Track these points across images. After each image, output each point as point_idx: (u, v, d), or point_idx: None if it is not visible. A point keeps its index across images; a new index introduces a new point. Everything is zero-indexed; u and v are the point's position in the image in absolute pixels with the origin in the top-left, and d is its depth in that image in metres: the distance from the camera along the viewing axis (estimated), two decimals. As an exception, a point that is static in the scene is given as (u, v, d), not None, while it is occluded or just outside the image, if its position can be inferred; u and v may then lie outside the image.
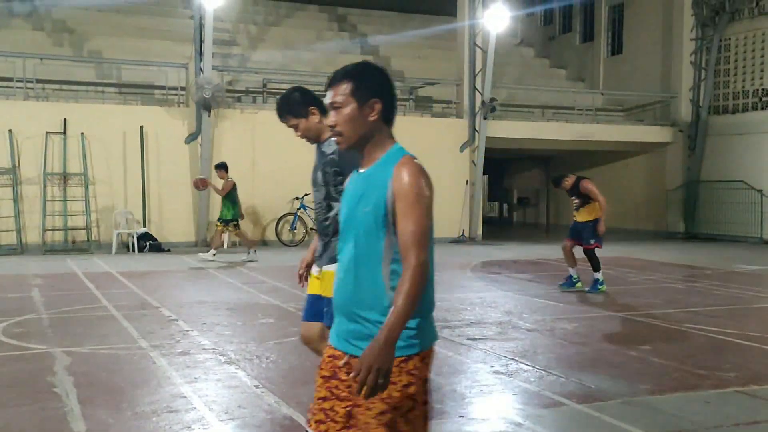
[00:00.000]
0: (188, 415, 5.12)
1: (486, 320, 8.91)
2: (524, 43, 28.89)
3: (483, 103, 20.34)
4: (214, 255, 14.57)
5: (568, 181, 11.30)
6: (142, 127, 17.47)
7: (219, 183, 15.02)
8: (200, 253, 14.87)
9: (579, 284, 11.27)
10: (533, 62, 27.65)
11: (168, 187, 17.86)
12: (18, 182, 16.50)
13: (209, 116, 17.71)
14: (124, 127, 17.38)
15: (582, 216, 11.18)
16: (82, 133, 16.92)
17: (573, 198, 11.34)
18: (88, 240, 16.90)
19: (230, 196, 14.78)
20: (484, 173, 21.54)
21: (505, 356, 6.99)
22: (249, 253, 15.18)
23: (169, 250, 17.00)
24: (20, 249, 16.23)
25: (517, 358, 6.91)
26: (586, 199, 11.10)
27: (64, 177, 16.88)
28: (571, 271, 11.34)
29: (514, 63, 25.45)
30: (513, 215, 30.85)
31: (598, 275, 11.14)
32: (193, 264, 14.43)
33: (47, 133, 16.64)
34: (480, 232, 21.00)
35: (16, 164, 16.50)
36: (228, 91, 18.99)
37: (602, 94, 25.34)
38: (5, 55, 17.30)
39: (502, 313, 9.42)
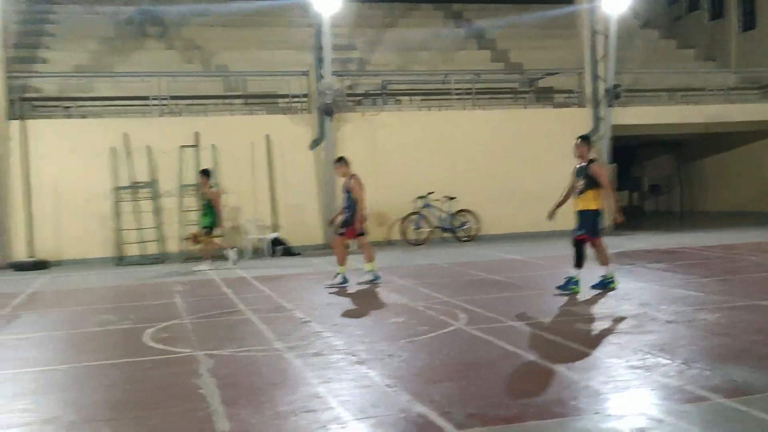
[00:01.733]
0: (324, 414, 5.26)
1: (619, 313, 8.65)
2: (648, 25, 27.82)
3: (606, 90, 19.76)
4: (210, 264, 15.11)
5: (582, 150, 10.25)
6: (267, 136, 18.09)
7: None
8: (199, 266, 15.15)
9: (614, 284, 10.17)
10: (659, 44, 26.57)
11: (295, 192, 18.38)
12: (157, 195, 17.44)
13: (331, 121, 18.10)
14: (251, 136, 18.04)
15: (583, 203, 10.14)
16: (213, 145, 17.69)
17: (579, 180, 10.30)
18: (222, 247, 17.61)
19: (209, 204, 15.31)
20: (611, 162, 20.91)
21: (641, 350, 6.76)
22: (206, 262, 15.13)
23: (299, 254, 17.49)
24: (162, 258, 17.14)
25: (654, 352, 6.67)
26: (592, 184, 10.08)
27: (199, 188, 17.68)
28: (602, 269, 10.24)
29: (638, 46, 24.55)
30: (644, 204, 29.75)
31: (574, 273, 10.02)
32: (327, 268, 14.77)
33: (181, 146, 17.51)
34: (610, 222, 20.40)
35: (155, 178, 17.45)
36: (348, 95, 19.34)
37: (735, 72, 24.05)
38: (141, 75, 18.35)
39: (637, 305, 9.11)
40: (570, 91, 21.10)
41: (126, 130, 17.39)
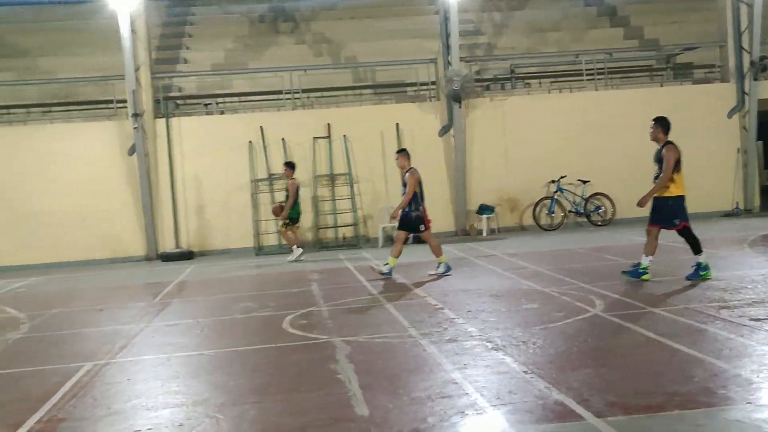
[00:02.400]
0: (461, 400, 5.27)
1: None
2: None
3: (752, 63, 18.62)
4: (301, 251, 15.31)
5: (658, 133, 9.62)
6: (397, 124, 18.23)
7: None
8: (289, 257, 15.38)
9: (647, 276, 9.68)
10: (809, 10, 24.70)
11: (425, 180, 18.36)
12: (292, 186, 17.97)
13: (460, 107, 18.03)
14: (381, 125, 18.24)
15: (659, 189, 9.53)
16: (345, 136, 18.03)
17: (655, 165, 9.64)
18: (356, 236, 17.98)
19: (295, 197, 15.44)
20: (758, 139, 19.70)
21: (796, 338, 6.36)
22: (293, 250, 15.34)
23: (430, 241, 17.54)
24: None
25: (811, 340, 6.25)
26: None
27: (332, 178, 18.10)
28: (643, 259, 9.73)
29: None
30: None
31: (702, 259, 9.55)
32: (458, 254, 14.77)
33: (314, 138, 17.95)
34: (757, 203, 19.26)
35: (290, 170, 17.99)
36: (476, 80, 19.20)
37: None
38: (274, 70, 18.94)
39: (790, 290, 8.57)
40: (711, 66, 20.03)
41: (261, 123, 18.02)
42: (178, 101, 19.07)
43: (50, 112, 18.72)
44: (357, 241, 17.88)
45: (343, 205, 18.08)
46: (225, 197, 17.88)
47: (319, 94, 19.31)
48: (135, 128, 17.33)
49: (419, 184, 11.86)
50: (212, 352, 7.46)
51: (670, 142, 9.62)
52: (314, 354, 7.06)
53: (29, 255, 17.29)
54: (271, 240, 17.91)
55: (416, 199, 11.81)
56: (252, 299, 10.71)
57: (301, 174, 18.00)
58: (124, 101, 17.74)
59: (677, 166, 9.49)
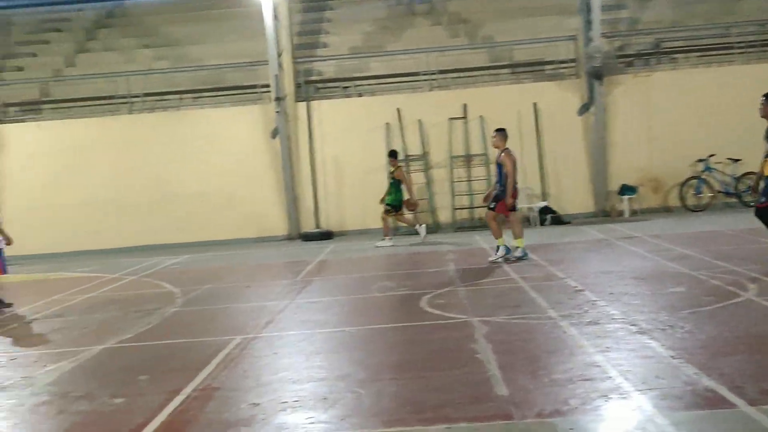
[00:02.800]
0: (604, 384, 5.16)
1: None
2: None
3: None
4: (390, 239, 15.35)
5: None
6: (535, 104, 17.91)
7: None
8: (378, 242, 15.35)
9: None
10: None
11: (564, 160, 18.06)
12: (428, 167, 18.08)
13: (601, 85, 17.47)
14: (518, 105, 17.96)
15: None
16: (481, 116, 17.90)
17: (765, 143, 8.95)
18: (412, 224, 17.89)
19: (398, 183, 15.34)
20: None
21: None
22: (384, 239, 15.34)
23: (569, 222, 17.19)
24: (434, 227, 17.76)
25: None
26: None
27: (468, 158, 18.04)
28: None
29: None
30: None
31: None
32: (598, 236, 14.39)
33: (450, 119, 17.94)
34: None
35: (427, 151, 18.10)
36: (618, 56, 18.53)
37: None
38: (411, 52, 19.03)
39: None
40: None
41: (398, 105, 18.18)
42: (318, 85, 19.54)
43: (200, 97, 19.66)
44: (493, 222, 17.75)
45: (479, 186, 17.99)
46: (362, 178, 18.20)
47: (455, 74, 19.23)
48: (277, 112, 17.94)
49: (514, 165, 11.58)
50: (353, 329, 7.66)
51: None
52: (452, 333, 7.11)
53: (181, 234, 18.30)
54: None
55: (502, 179, 11.61)
56: (389, 278, 10.88)
57: (438, 155, 18.08)
58: (268, 86, 18.38)
59: None
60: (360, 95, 19.22)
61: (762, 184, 9.21)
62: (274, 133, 18.20)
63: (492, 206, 11.75)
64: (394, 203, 15.65)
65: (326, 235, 17.95)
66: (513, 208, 11.74)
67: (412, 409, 4.95)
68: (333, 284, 10.91)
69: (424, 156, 18.12)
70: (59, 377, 6.45)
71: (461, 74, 19.22)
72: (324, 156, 18.45)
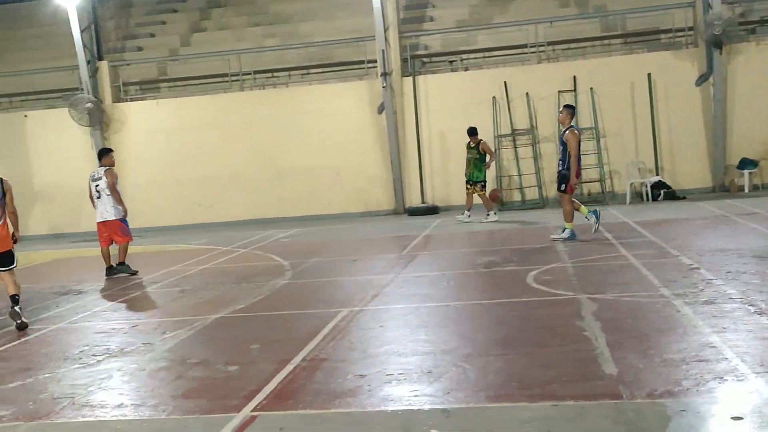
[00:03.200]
0: (719, 365, 4.97)
1: None
2: None
3: None
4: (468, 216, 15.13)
5: None
6: (649, 74, 17.27)
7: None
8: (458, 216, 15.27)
9: None
10: None
11: (679, 133, 17.38)
12: (536, 141, 17.77)
13: (720, 54, 16.65)
14: (631, 76, 17.38)
15: None
16: (591, 88, 17.41)
17: None
18: (602, 192, 17.41)
19: (483, 159, 14.98)
20: None
21: None
22: (488, 215, 15.08)
23: (684, 198, 16.56)
24: (542, 203, 17.48)
25: None
26: None
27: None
28: None
29: None
30: None
31: None
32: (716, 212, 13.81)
33: (559, 91, 17.53)
34: None
35: (534, 125, 17.77)
36: (740, 23, 17.58)
37: None
38: (519, 24, 18.67)
39: None
40: None
41: (505, 78, 17.92)
42: (425, 59, 19.48)
43: (308, 74, 19.98)
44: (603, 198, 17.31)
45: (588, 161, 17.54)
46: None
47: (564, 46, 18.75)
48: (384, 87, 18.02)
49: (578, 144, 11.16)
50: (458, 304, 7.66)
51: None
52: (559, 310, 7.00)
53: (291, 208, 18.75)
54: (514, 196, 17.88)
55: (565, 158, 11.20)
56: (495, 254, 10.81)
57: (546, 129, 17.73)
58: (375, 61, 18.47)
59: None
60: (466, 69, 19.06)
61: None
62: (381, 109, 18.31)
63: (562, 188, 11.43)
64: (484, 179, 15.43)
65: (432, 210, 17.97)
66: (562, 186, 11.44)
67: (518, 385, 4.92)
68: (439, 259, 10.92)
69: (532, 130, 17.81)
70: (177, 344, 6.76)
71: (571, 45, 18.74)
72: (430, 131, 18.42)
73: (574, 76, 17.54)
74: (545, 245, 11.25)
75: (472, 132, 15.32)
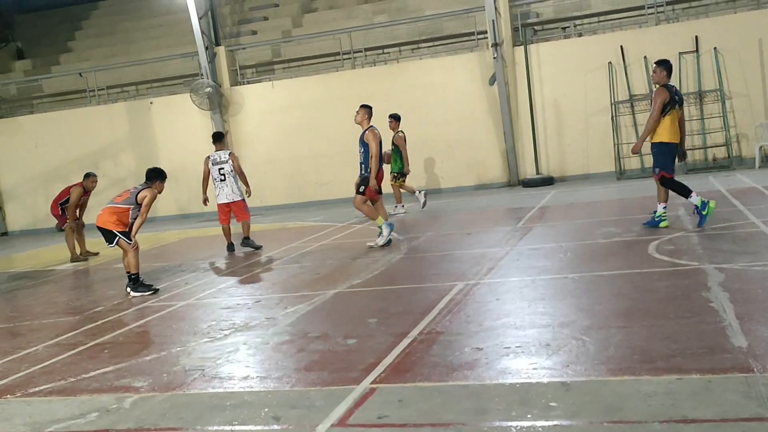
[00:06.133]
0: None
1: None
2: None
3: None
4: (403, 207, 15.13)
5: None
6: (780, 31, 16.24)
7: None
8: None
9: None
10: None
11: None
12: (656, 106, 17.05)
13: None
14: (759, 33, 16.40)
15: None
16: (715, 48, 16.56)
17: None
18: (728, 156, 16.59)
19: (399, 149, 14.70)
20: None
21: None
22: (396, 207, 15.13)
23: (820, 161, 15.58)
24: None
25: None
26: None
27: (700, 95, 16.81)
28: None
29: None
30: None
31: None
32: None
33: (680, 53, 16.76)
34: None
35: (653, 89, 17.03)
36: None
37: None
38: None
39: None
40: None
41: (622, 42, 17.29)
42: (536, 27, 19.05)
43: (418, 48, 19.93)
44: (729, 162, 16.49)
45: (713, 125, 16.74)
46: (584, 121, 17.62)
47: (685, 4, 17.87)
48: (495, 58, 17.76)
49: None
50: (576, 276, 7.52)
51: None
52: (683, 280, 6.76)
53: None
54: (632, 164, 17.30)
55: (367, 161, 11.00)
56: (614, 224, 10.52)
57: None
58: (485, 32, 18.22)
59: None
60: (580, 35, 18.51)
61: None
62: (492, 80, 18.06)
63: (361, 190, 11.00)
64: (401, 170, 15.31)
65: (547, 181, 17.65)
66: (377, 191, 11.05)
67: (640, 358, 4.79)
68: (555, 230, 10.73)
69: (651, 95, 17.08)
70: (298, 318, 6.97)
71: (692, 4, 17.85)
72: (543, 100, 18.04)
73: (696, 36, 16.71)
74: (667, 214, 10.83)
75: (392, 117, 15.34)
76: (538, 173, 18.03)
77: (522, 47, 18.08)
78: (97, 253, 13.54)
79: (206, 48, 19.75)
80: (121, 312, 8.24)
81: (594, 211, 12.31)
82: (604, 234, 9.76)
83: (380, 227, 10.81)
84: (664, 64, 9.63)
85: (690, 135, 16.81)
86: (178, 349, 6.33)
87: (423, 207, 15.15)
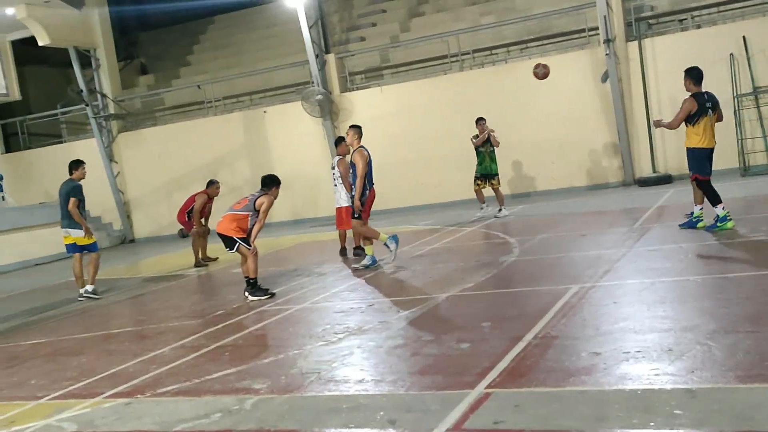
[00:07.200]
0: None
1: None
2: None
3: None
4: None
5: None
6: None
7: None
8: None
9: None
10: None
11: None
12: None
13: None
14: None
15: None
16: None
17: None
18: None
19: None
20: None
21: None
22: (501, 209, 14.91)
23: None
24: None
25: None
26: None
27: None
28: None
29: None
30: None
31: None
32: None
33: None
34: None
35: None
36: None
37: None
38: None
39: None
40: None
41: (744, 32, 16.47)
42: (651, 21, 18.42)
43: (527, 48, 19.65)
44: None
45: None
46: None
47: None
48: (607, 54, 17.29)
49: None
50: (699, 278, 7.22)
51: None
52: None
53: (514, 185, 18.63)
54: (759, 159, 16.44)
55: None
56: (739, 223, 10.03)
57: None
58: (596, 28, 17.77)
59: None
60: (698, 27, 17.76)
61: None
62: (604, 77, 17.59)
63: (356, 216, 10.52)
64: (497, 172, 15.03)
65: (665, 180, 17.01)
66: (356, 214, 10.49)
67: (771, 365, 4.55)
68: (674, 231, 10.31)
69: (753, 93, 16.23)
70: (411, 322, 7.00)
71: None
72: (659, 96, 17.40)
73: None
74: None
75: (479, 120, 14.99)
76: (655, 171, 17.41)
77: (636, 42, 17.52)
78: (216, 258, 14.05)
79: (316, 56, 20.16)
80: (240, 315, 8.51)
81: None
82: (729, 234, 9.32)
83: (385, 244, 10.50)
84: (690, 73, 9.62)
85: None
86: (295, 352, 6.48)
87: (498, 214, 14.91)
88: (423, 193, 19.68)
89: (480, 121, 15.18)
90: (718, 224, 9.62)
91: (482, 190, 15.14)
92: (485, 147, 15.02)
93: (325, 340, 6.73)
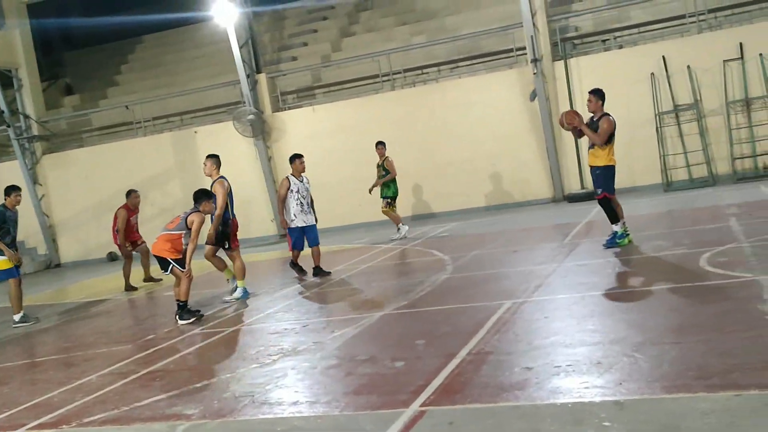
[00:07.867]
0: None
1: None
2: None
3: None
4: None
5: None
6: (827, 34, 15.88)
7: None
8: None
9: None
10: None
11: None
12: (701, 115, 16.78)
13: None
14: (806, 37, 16.06)
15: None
16: (761, 54, 16.25)
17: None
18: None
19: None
20: None
21: None
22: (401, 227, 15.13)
23: None
24: (711, 180, 16.50)
25: None
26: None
27: (747, 102, 16.49)
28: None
29: None
30: None
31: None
32: None
33: (724, 61, 16.49)
34: None
35: (698, 98, 16.80)
36: None
37: None
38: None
39: None
40: None
41: (663, 52, 17.07)
42: (576, 41, 18.93)
43: (457, 67, 19.94)
44: (778, 171, 16.13)
45: (762, 131, 16.39)
46: (628, 134, 17.28)
47: (728, 11, 17.59)
48: (535, 73, 17.68)
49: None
50: (626, 291, 7.41)
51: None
52: (738, 294, 6.60)
53: (447, 202, 18.81)
54: (680, 175, 17.00)
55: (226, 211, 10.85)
56: (662, 237, 10.34)
57: (711, 102, 16.70)
58: (524, 48, 18.16)
59: None
60: (620, 47, 18.34)
61: None
62: (533, 96, 17.97)
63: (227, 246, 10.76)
64: (394, 195, 15.30)
65: (592, 195, 17.38)
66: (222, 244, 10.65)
67: (696, 375, 4.68)
68: (602, 246, 10.57)
69: (696, 105, 16.84)
70: (345, 342, 6.97)
71: (735, 11, 17.56)
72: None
73: (741, 43, 16.43)
74: (718, 225, 10.63)
75: (379, 144, 15.44)
76: (583, 188, 17.82)
77: (562, 62, 17.98)
78: (160, 280, 13.63)
79: (248, 76, 20.04)
80: (172, 339, 8.34)
81: (642, 225, 12.09)
82: (654, 247, 9.60)
83: (228, 279, 10.67)
84: (599, 93, 10.14)
85: (738, 143, 16.52)
86: (228, 375, 6.38)
87: (400, 238, 15.01)
88: (359, 211, 19.66)
89: (380, 144, 15.49)
90: (617, 240, 9.93)
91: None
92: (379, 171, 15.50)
93: (258, 362, 6.64)
